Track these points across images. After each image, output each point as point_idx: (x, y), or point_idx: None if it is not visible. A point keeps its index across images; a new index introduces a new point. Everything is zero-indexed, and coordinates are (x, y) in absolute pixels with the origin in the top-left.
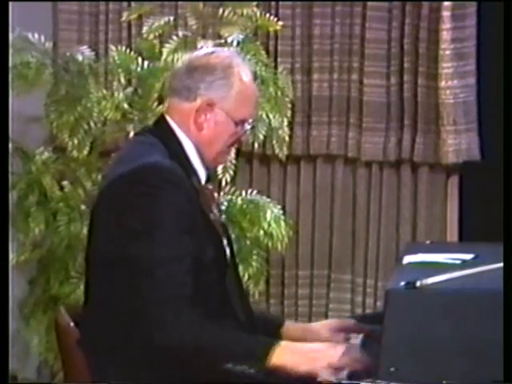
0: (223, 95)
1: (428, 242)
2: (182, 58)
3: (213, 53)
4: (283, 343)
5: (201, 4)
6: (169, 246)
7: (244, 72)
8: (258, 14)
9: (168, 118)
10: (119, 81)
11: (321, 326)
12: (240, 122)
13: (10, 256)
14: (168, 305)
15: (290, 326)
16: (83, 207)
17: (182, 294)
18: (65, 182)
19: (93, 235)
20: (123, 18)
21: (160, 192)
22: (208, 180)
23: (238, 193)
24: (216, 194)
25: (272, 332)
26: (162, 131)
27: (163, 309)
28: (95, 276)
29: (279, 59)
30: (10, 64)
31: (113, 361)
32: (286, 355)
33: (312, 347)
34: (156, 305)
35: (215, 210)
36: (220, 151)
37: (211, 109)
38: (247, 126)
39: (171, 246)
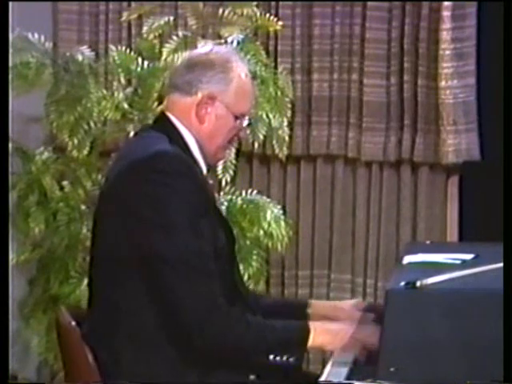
0: (223, 89)
1: (428, 242)
2: (182, 56)
3: (212, 49)
4: (314, 325)
5: (201, 4)
6: (193, 240)
7: (242, 68)
8: (258, 14)
9: (169, 114)
10: (119, 81)
11: (351, 305)
12: (239, 117)
13: (10, 256)
14: (206, 304)
15: (317, 304)
16: (83, 207)
17: (216, 290)
18: (65, 182)
19: (103, 231)
20: (123, 18)
21: (176, 180)
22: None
23: (238, 193)
24: (216, 193)
25: (300, 313)
26: (163, 127)
27: (202, 308)
28: (108, 272)
29: (279, 59)
30: (10, 64)
31: (138, 357)
32: (319, 337)
33: (341, 328)
34: (194, 305)
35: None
36: (220, 145)
37: (212, 102)
38: (245, 122)
39: (195, 239)
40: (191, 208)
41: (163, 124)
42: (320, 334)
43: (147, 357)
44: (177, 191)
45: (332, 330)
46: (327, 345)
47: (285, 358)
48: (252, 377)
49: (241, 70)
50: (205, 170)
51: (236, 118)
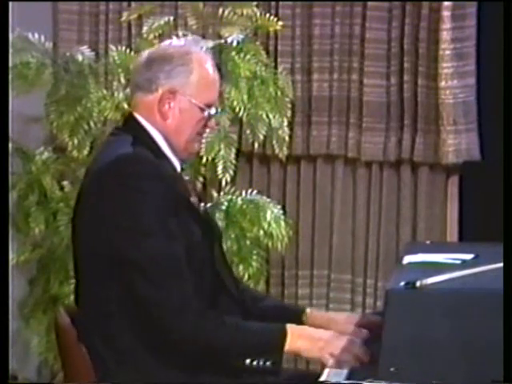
0: (184, 81)
1: (428, 242)
2: (141, 54)
3: (170, 44)
4: (292, 329)
5: (201, 4)
6: (162, 242)
7: (203, 58)
8: (258, 14)
9: (135, 114)
10: (119, 81)
11: (345, 319)
12: (205, 107)
13: (10, 256)
14: (177, 304)
15: (313, 313)
16: None
17: (188, 291)
18: (65, 182)
19: (80, 231)
20: (123, 18)
21: (140, 183)
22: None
23: (238, 193)
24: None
25: (295, 319)
26: (131, 128)
27: (172, 309)
28: (89, 275)
29: (279, 59)
30: (10, 64)
31: (120, 359)
32: (297, 341)
33: (321, 336)
34: (164, 306)
35: (194, 197)
36: (189, 139)
37: (174, 96)
38: (213, 111)
39: (165, 241)
40: (159, 209)
41: (130, 125)
42: (298, 338)
43: (126, 359)
44: (142, 194)
45: (312, 336)
46: (304, 350)
47: (261, 361)
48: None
49: (202, 60)
50: (178, 167)
51: (201, 109)
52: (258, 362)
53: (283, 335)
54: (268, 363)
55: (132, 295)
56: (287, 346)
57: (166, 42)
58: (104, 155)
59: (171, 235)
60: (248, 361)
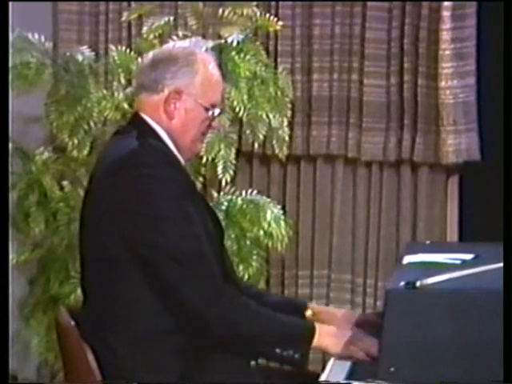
0: (189, 82)
1: (428, 241)
2: (146, 55)
3: (175, 45)
4: (321, 326)
5: (201, 4)
6: (185, 226)
7: (207, 59)
8: (258, 14)
9: (141, 114)
10: (119, 81)
11: (343, 316)
12: (210, 107)
13: (10, 256)
14: (210, 289)
15: (314, 308)
16: None
17: (217, 273)
18: (65, 182)
19: (93, 232)
20: (123, 18)
21: (158, 170)
22: None
23: (237, 193)
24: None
25: (298, 314)
26: (138, 125)
27: (207, 293)
28: (103, 268)
29: (279, 59)
30: (10, 64)
31: (136, 350)
32: (325, 338)
33: (345, 332)
34: (198, 291)
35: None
36: (194, 138)
37: (179, 97)
38: (217, 112)
39: (187, 225)
40: (178, 194)
41: (137, 123)
42: (326, 336)
43: (147, 349)
44: (160, 180)
45: (338, 334)
46: (332, 348)
47: (290, 352)
48: (253, 363)
49: (206, 61)
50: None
51: (206, 109)
52: (288, 352)
53: (312, 331)
54: (296, 355)
55: (153, 281)
56: (315, 343)
57: (170, 44)
58: (114, 150)
59: (190, 219)
60: (278, 350)
